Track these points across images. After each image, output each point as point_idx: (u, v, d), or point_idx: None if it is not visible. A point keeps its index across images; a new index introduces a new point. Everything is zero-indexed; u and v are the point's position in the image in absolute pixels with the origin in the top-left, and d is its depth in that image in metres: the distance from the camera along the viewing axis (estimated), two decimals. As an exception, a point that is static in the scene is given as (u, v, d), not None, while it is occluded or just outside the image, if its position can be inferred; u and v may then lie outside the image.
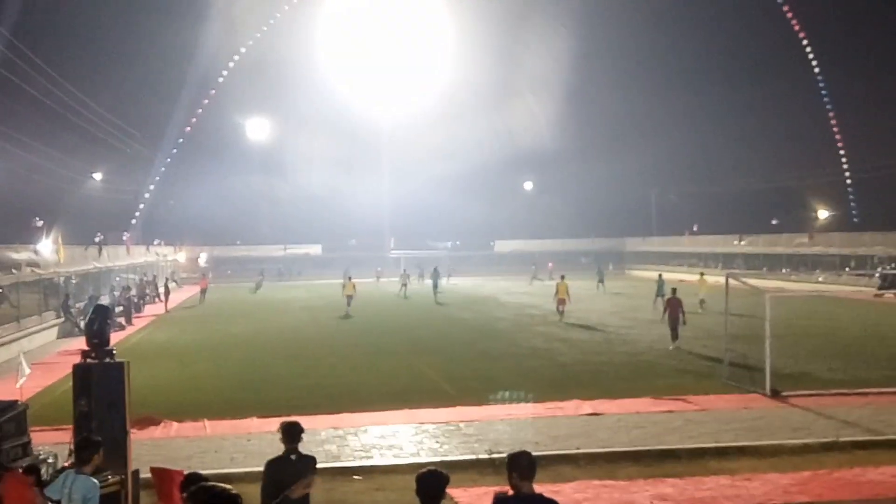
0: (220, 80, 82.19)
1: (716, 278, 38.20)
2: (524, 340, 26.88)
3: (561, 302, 32.84)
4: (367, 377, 20.07)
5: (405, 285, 49.42)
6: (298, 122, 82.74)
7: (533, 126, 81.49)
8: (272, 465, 7.18)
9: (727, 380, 18.05)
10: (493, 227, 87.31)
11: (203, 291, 47.84)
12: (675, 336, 24.18)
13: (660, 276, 38.86)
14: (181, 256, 74.31)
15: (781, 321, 19.68)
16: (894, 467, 11.82)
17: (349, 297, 38.53)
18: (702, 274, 39.44)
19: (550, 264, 66.16)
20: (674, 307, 24.42)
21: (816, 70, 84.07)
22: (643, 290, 39.82)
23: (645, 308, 35.44)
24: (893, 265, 46.80)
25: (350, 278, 41.13)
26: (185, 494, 4.01)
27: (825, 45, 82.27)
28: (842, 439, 13.15)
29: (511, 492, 5.72)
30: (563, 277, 34.23)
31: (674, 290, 25.54)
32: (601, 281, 50.87)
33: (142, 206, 79.92)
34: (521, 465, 5.77)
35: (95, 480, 7.42)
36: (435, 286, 46.73)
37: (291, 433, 7.24)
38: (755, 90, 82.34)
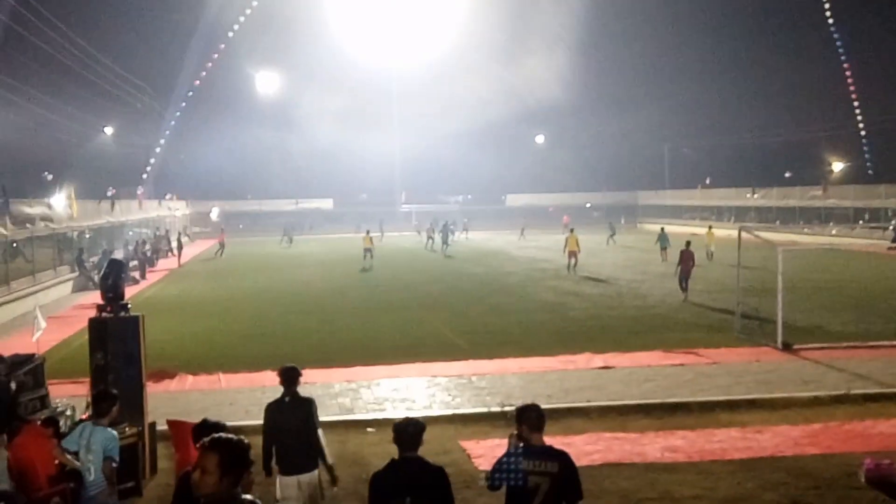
0: (230, 34, 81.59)
1: (727, 231, 38.91)
2: (535, 294, 26.92)
3: (571, 255, 33.06)
4: (380, 331, 20.17)
5: (431, 238, 49.12)
6: (309, 77, 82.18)
7: (544, 79, 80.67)
8: (269, 407, 7.78)
9: (739, 333, 18.08)
10: (504, 181, 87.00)
11: (221, 245, 48.79)
12: (684, 288, 24.40)
13: (662, 229, 40.48)
14: (183, 210, 74.42)
15: (793, 275, 19.61)
16: (905, 420, 11.87)
17: (367, 251, 38.87)
18: (710, 227, 40.95)
19: (566, 217, 66.04)
20: (686, 260, 24.58)
21: (830, 21, 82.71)
22: (655, 243, 39.76)
23: (656, 261, 35.52)
24: (908, 218, 46.47)
25: (368, 232, 41.71)
26: (201, 443, 4.07)
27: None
28: (853, 392, 13.19)
29: (522, 444, 5.78)
30: (572, 231, 34.94)
31: (688, 243, 25.62)
32: (612, 235, 50.83)
33: (153, 160, 79.89)
34: (530, 418, 5.90)
35: (114, 432, 7.53)
36: (444, 241, 46.71)
37: (288, 377, 7.73)
38: (768, 42, 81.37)
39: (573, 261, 33.12)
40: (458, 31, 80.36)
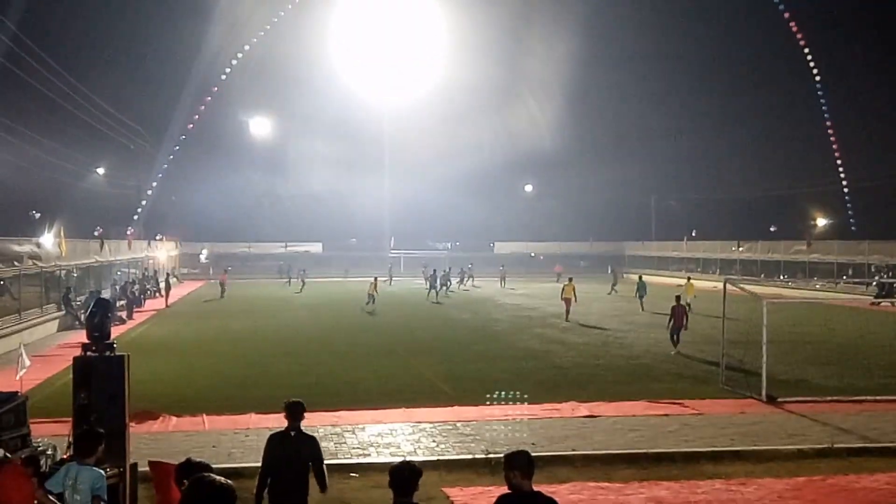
0: (223, 77, 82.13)
1: (713, 283, 39.23)
2: (521, 342, 26.95)
3: (567, 302, 33.60)
4: (366, 376, 20.13)
5: (434, 288, 46.60)
6: (301, 121, 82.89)
7: (534, 129, 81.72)
8: (273, 439, 8.05)
9: (724, 385, 18.14)
10: (492, 229, 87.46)
11: (222, 285, 48.96)
12: (675, 342, 24.31)
13: (640, 277, 42.34)
14: (172, 251, 74.29)
15: (778, 327, 19.78)
16: (888, 475, 11.90)
17: (371, 297, 38.85)
18: (689, 278, 41.74)
19: (558, 267, 66.19)
20: (679, 316, 24.48)
21: (816, 79, 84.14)
22: (634, 294, 40.10)
23: (642, 312, 35.71)
24: (890, 274, 46.89)
25: (376, 278, 42.30)
26: (184, 483, 4.08)
27: (825, 55, 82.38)
28: (836, 446, 13.23)
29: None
30: (570, 279, 35.84)
31: (677, 298, 25.40)
32: (615, 284, 51.08)
33: (144, 201, 79.89)
34: (520, 464, 5.91)
35: (102, 471, 7.47)
36: (444, 284, 47.35)
37: (293, 411, 8.07)
38: (756, 98, 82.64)
39: (569, 308, 33.59)
40: (450, 80, 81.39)
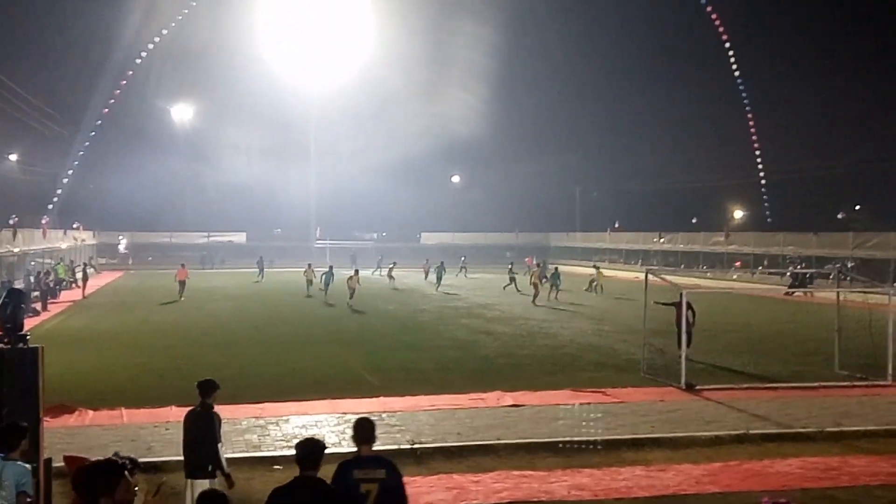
0: (138, 61, 79.92)
1: (635, 274, 40.66)
2: (447, 332, 27.03)
3: (534, 287, 37.21)
4: (291, 367, 19.92)
5: (392, 277, 48.25)
6: (225, 109, 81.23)
7: (461, 120, 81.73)
8: (187, 416, 9.15)
9: (645, 373, 18.53)
10: (419, 219, 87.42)
11: (182, 283, 39.60)
12: (688, 342, 19.76)
13: (556, 269, 42.70)
14: (90, 240, 72.27)
15: (697, 317, 20.24)
16: (800, 459, 12.33)
17: (352, 290, 37.35)
18: (597, 267, 46.92)
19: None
20: (680, 313, 20.51)
21: (737, 74, 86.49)
22: (566, 284, 40.69)
23: (564, 302, 36.27)
24: (803, 265, 48.54)
25: (357, 272, 39.52)
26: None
27: (746, 49, 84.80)
28: (752, 432, 13.64)
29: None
30: (538, 265, 40.72)
31: (681, 294, 20.93)
32: (514, 280, 46.26)
33: (60, 189, 77.38)
34: (359, 431, 6.58)
35: (27, 466, 7.23)
36: (439, 279, 46.78)
37: (203, 388, 9.05)
38: (678, 93, 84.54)
39: (537, 293, 36.65)
40: (376, 68, 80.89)
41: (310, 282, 42.73)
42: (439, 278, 46.98)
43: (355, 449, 6.54)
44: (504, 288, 43.84)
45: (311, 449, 5.91)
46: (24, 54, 71.71)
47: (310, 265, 44.90)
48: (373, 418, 14.64)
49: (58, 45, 75.10)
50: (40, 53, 74.93)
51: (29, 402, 9.52)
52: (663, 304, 20.57)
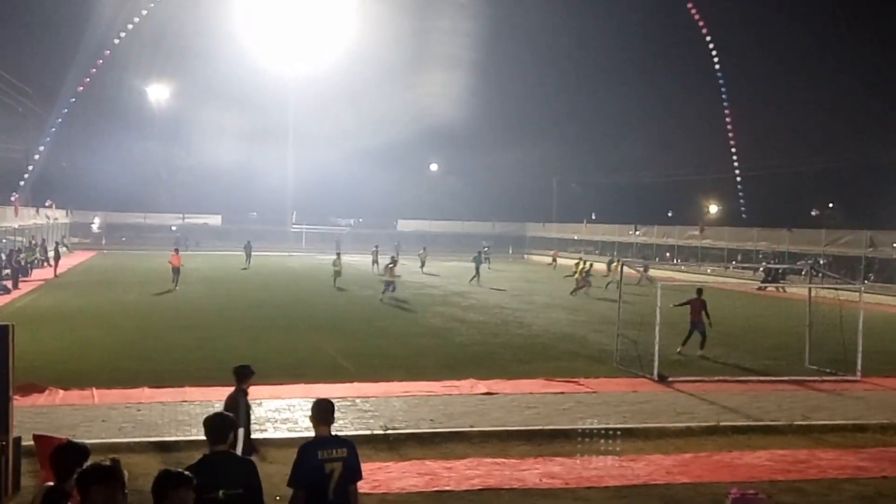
0: (117, 41, 78.86)
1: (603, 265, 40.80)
2: (423, 319, 27.04)
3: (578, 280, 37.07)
4: (264, 351, 19.76)
5: (376, 263, 45.59)
6: (202, 90, 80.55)
7: (440, 107, 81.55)
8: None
9: (618, 364, 18.64)
10: (396, 206, 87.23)
11: (176, 271, 35.69)
12: (702, 342, 21.00)
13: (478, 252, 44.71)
14: (63, 219, 71.41)
15: (670, 310, 20.37)
16: (768, 451, 12.47)
17: (336, 273, 37.91)
18: (554, 257, 51.57)
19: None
20: (696, 309, 21.02)
21: (717, 69, 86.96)
22: (541, 274, 40.79)
23: (542, 292, 36.37)
24: (776, 260, 49.03)
25: (339, 255, 39.82)
26: (75, 478, 3.97)
27: (726, 46, 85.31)
28: (722, 424, 13.76)
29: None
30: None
31: (699, 291, 21.32)
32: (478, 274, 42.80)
33: (31, 167, 76.31)
34: (319, 411, 6.76)
35: None
36: (477, 271, 42.17)
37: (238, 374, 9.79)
38: (657, 87, 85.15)
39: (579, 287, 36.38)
40: (355, 53, 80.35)
41: (338, 273, 38.73)
42: (477, 270, 42.28)
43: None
44: (469, 282, 41.14)
45: (220, 422, 5.82)
46: (-2, 29, 70.61)
47: (339, 254, 41.68)
48: (346, 403, 14.69)
49: (34, 22, 74.13)
50: (13, 28, 73.87)
51: (-2, 380, 9.43)
52: (678, 305, 20.93)
